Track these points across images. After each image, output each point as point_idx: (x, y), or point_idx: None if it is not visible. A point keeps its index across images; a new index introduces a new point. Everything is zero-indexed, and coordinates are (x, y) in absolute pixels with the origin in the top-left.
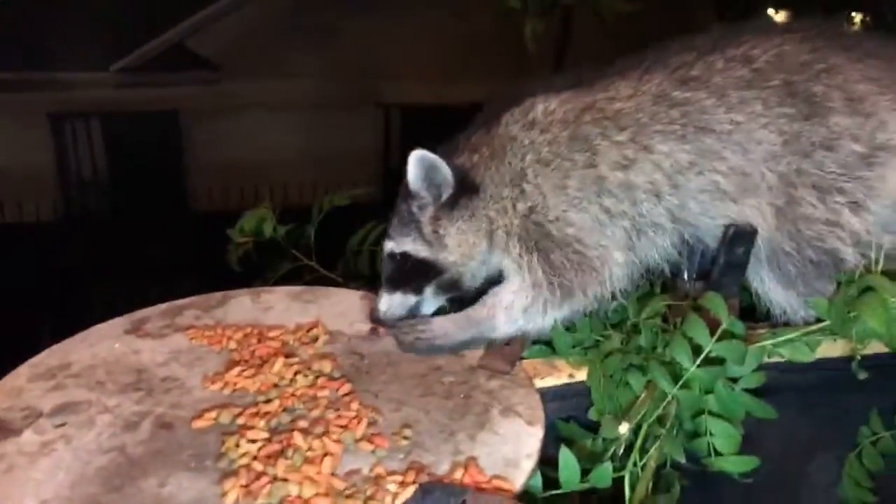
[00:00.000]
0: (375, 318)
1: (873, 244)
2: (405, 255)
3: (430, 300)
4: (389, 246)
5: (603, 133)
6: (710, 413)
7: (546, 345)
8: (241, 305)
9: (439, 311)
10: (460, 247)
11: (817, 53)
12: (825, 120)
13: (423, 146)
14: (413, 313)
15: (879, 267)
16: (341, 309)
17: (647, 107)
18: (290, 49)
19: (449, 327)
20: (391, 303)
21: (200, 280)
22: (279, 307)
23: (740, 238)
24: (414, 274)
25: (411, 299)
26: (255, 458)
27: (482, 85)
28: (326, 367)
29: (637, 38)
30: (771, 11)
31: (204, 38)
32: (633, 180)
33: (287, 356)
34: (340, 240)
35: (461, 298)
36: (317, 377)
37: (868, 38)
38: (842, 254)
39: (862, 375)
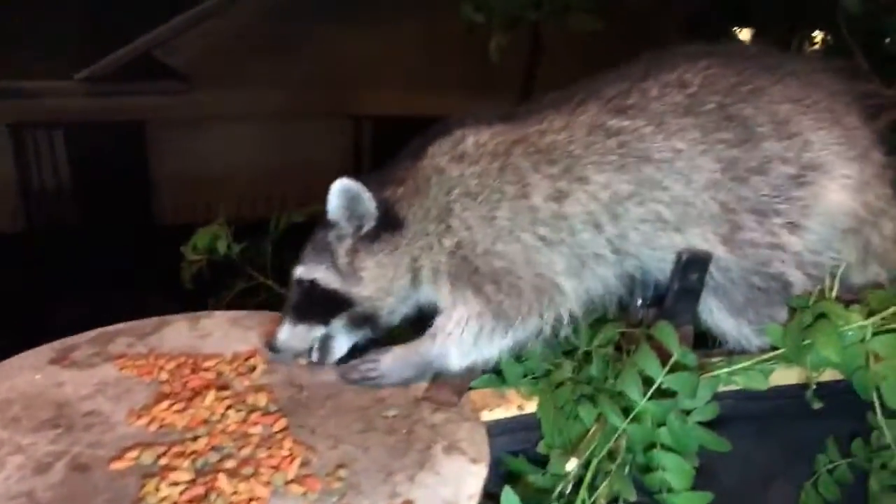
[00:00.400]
0: (272, 348)
1: (820, 265)
2: (314, 284)
3: (341, 335)
4: (299, 271)
5: (535, 166)
6: (663, 447)
7: (496, 374)
8: (178, 332)
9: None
10: (376, 282)
11: (743, 75)
12: (757, 145)
13: (351, 174)
14: (315, 346)
15: (833, 293)
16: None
17: (582, 138)
18: (259, 60)
19: (398, 365)
20: (292, 334)
21: (165, 295)
22: (217, 334)
23: (694, 264)
24: (321, 305)
25: (316, 332)
26: (175, 503)
27: (454, 96)
28: (262, 400)
29: (608, 53)
30: (739, 31)
31: (171, 48)
32: (567, 212)
33: (220, 388)
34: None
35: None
36: (251, 411)
37: (787, 58)
38: (788, 277)
39: (817, 405)
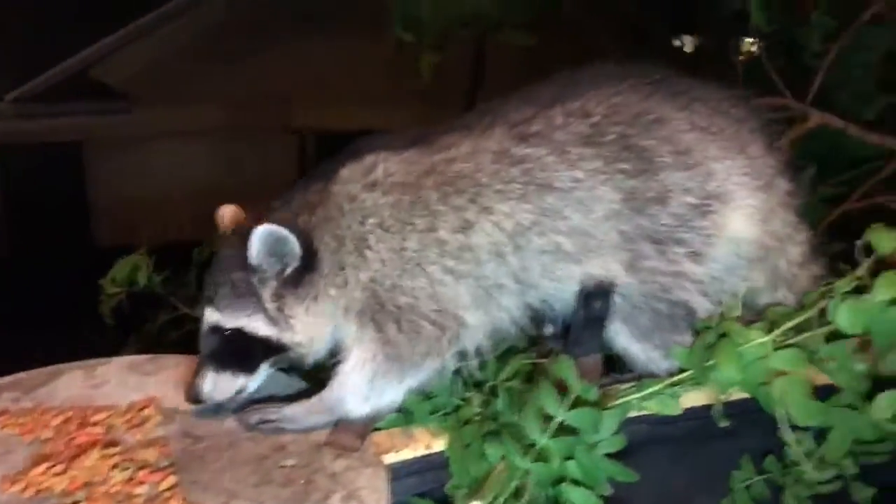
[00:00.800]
0: (195, 399)
1: (725, 292)
2: (238, 332)
3: (261, 375)
4: (215, 318)
5: (443, 198)
6: (571, 481)
7: (403, 412)
8: (72, 382)
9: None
10: (309, 329)
11: (647, 103)
12: (656, 175)
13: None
14: (241, 392)
15: (735, 313)
16: (188, 380)
17: (487, 165)
18: (200, 76)
19: (300, 413)
20: (216, 383)
21: (94, 327)
22: (114, 381)
23: (596, 293)
24: (247, 351)
25: (241, 379)
26: None
27: (399, 109)
28: (152, 455)
29: (552, 62)
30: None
31: (108, 66)
32: (473, 242)
33: (108, 445)
34: None
35: None
36: (139, 469)
37: (695, 84)
38: (691, 304)
39: (723, 423)
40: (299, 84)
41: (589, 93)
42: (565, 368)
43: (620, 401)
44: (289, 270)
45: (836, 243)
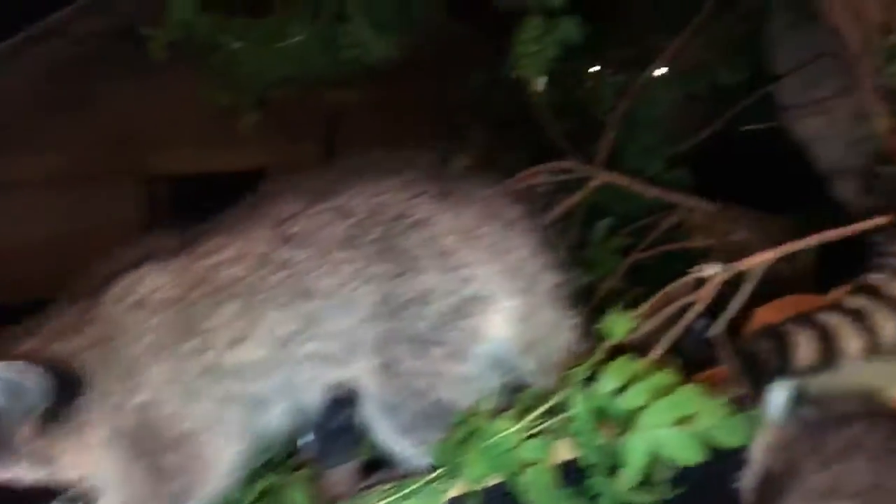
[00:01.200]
0: None
1: (488, 387)
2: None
3: None
4: None
5: (210, 311)
6: None
7: None
8: None
9: None
10: (84, 462)
11: (411, 203)
12: (416, 277)
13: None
14: None
15: (486, 406)
16: None
17: (253, 271)
18: (37, 123)
19: None
20: None
21: None
22: None
23: (342, 402)
24: (21, 502)
25: None
26: None
27: (253, 149)
28: None
29: (415, 98)
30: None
31: None
32: (244, 358)
33: None
34: None
35: None
36: None
37: (467, 182)
38: (452, 401)
39: None
40: (149, 127)
41: (354, 189)
42: (297, 493)
43: None
44: (43, 408)
45: (632, 290)
